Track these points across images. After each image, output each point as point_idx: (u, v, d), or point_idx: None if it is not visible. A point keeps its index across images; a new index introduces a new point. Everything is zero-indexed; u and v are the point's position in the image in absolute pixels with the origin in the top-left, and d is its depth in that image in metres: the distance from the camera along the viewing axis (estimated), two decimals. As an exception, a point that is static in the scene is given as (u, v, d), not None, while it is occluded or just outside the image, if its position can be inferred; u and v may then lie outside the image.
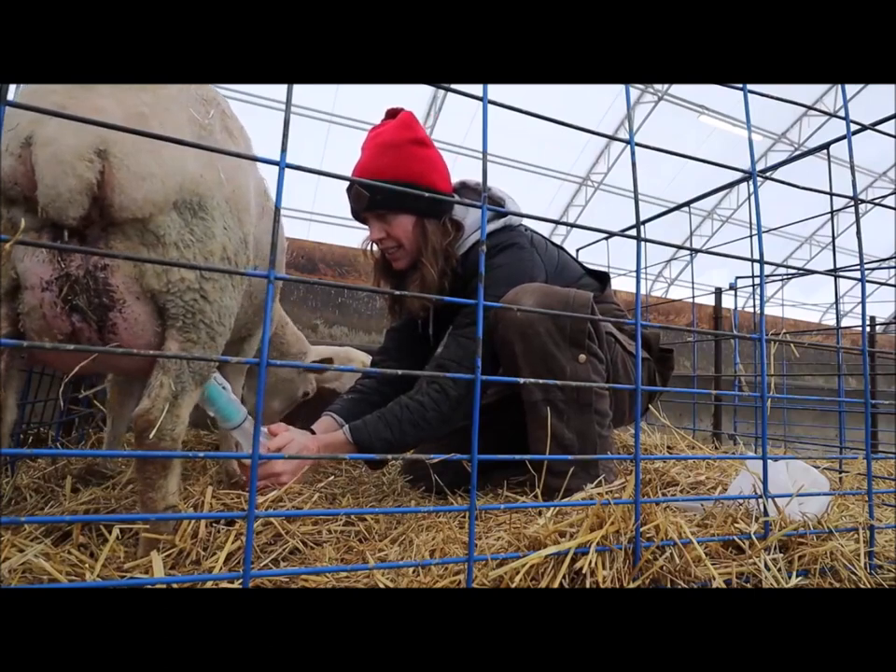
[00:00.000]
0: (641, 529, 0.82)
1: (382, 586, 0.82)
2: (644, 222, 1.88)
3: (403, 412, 1.41)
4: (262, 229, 1.34)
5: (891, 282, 1.23)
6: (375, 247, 1.69)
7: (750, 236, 1.90)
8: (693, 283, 3.16)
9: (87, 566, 0.84)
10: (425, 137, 1.55)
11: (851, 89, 10.59)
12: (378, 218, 1.54)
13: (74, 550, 0.90)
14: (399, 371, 0.69)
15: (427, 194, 0.75)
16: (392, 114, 1.57)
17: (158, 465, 0.95)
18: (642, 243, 0.86)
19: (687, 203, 2.64)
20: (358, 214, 1.57)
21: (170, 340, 0.95)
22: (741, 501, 1.08)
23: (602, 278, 1.86)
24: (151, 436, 0.91)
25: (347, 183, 1.54)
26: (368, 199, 1.48)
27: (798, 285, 16.68)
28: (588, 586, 0.76)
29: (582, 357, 1.42)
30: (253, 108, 10.43)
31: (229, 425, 1.24)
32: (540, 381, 0.87)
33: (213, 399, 1.22)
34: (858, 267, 1.11)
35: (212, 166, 0.97)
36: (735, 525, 0.99)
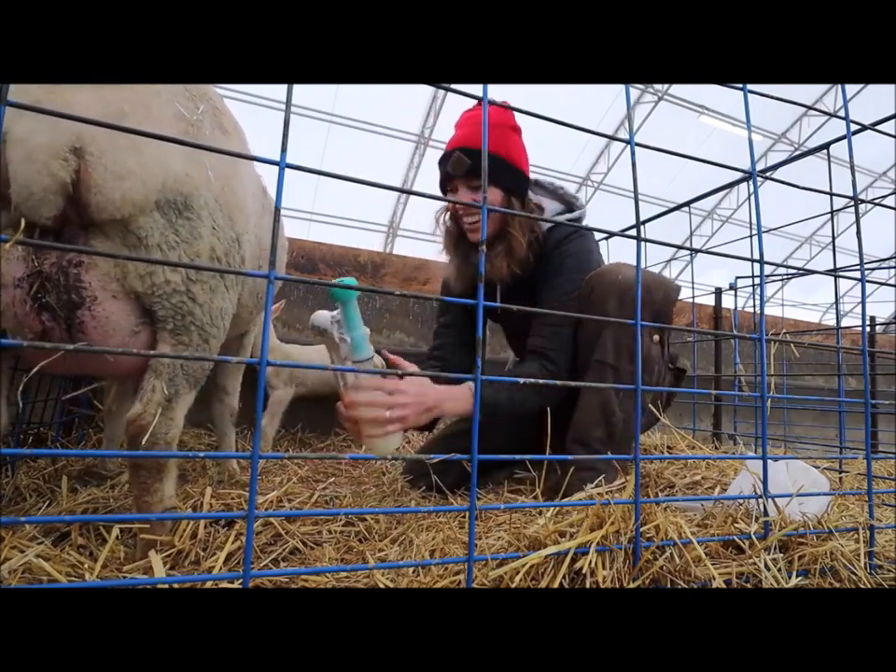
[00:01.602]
0: (641, 529, 0.82)
1: (382, 586, 0.82)
2: (644, 222, 1.88)
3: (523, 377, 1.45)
4: (264, 227, 1.32)
5: (891, 282, 1.23)
6: (447, 220, 1.74)
7: (750, 236, 1.89)
8: (693, 283, 3.15)
9: (86, 566, 0.84)
10: (518, 126, 1.64)
11: (851, 89, 10.59)
12: (470, 187, 1.59)
13: (73, 551, 0.90)
14: (400, 372, 0.68)
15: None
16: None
17: (152, 469, 0.93)
18: (642, 243, 0.86)
19: (687, 203, 2.64)
20: (447, 182, 1.63)
21: (162, 343, 0.93)
22: (741, 501, 1.08)
23: None
24: (143, 441, 0.89)
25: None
26: (469, 166, 1.54)
27: (798, 285, 16.67)
28: (588, 586, 0.76)
29: (657, 337, 1.51)
30: (253, 108, 10.43)
31: (357, 356, 1.14)
32: (540, 381, 0.86)
33: (352, 324, 1.12)
34: (858, 267, 1.11)
35: (199, 163, 0.93)
36: (735, 525, 0.99)
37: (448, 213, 1.73)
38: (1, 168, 0.79)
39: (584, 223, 1.74)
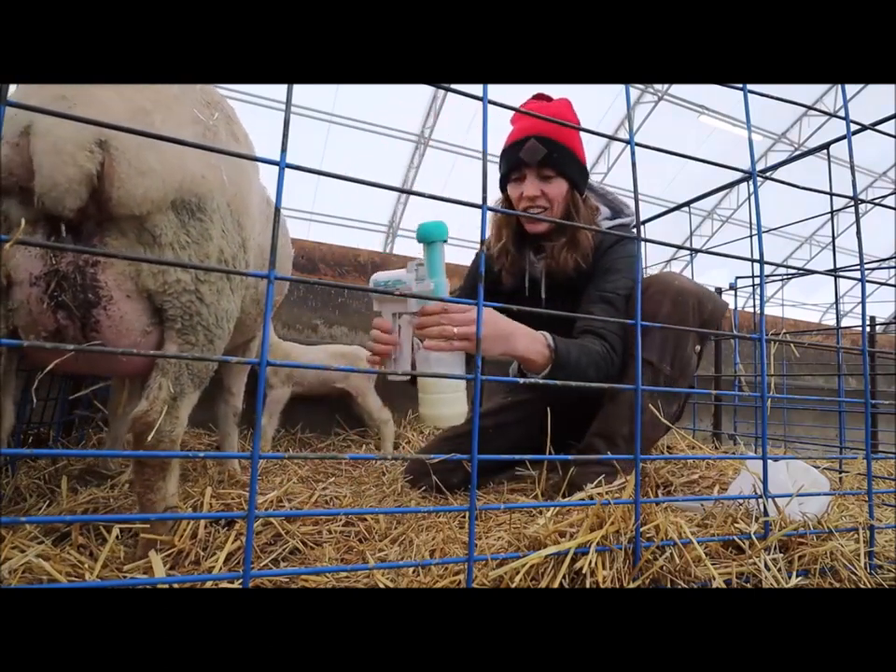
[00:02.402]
0: (641, 529, 0.82)
1: (382, 586, 0.82)
2: (644, 222, 1.88)
3: (585, 349, 1.42)
4: (267, 237, 1.33)
5: (891, 282, 1.23)
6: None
7: (750, 236, 1.89)
8: (692, 283, 3.14)
9: (86, 566, 0.84)
10: (578, 122, 1.63)
11: (851, 89, 10.59)
12: (540, 176, 1.57)
13: (73, 551, 0.90)
14: (405, 374, 0.68)
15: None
16: (541, 96, 1.66)
17: (156, 466, 0.94)
18: (642, 243, 0.86)
19: (687, 203, 2.64)
20: (513, 171, 1.60)
21: (169, 342, 0.94)
22: (741, 501, 1.08)
23: None
24: (149, 438, 0.90)
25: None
26: (545, 154, 1.52)
27: (798, 285, 16.67)
28: (588, 586, 0.76)
29: (698, 347, 1.52)
30: (253, 108, 10.43)
31: (427, 283, 1.04)
32: (540, 380, 0.86)
33: (436, 268, 1.01)
34: (858, 267, 1.11)
35: (215, 168, 0.95)
36: (735, 525, 0.99)
37: (502, 206, 1.71)
38: (14, 163, 0.79)
39: (629, 225, 1.73)
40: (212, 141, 0.96)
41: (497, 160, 1.69)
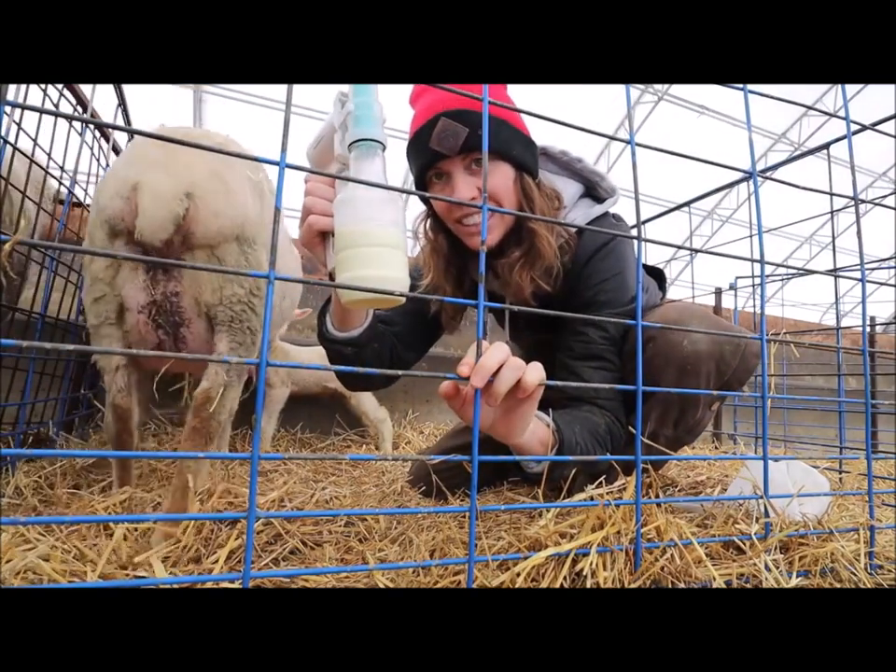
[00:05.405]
0: (642, 530, 0.82)
1: (382, 586, 0.82)
2: (644, 222, 1.87)
3: (589, 422, 1.15)
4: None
5: (891, 282, 1.23)
6: (430, 229, 1.27)
7: (750, 236, 1.89)
8: (693, 283, 3.16)
9: (88, 559, 0.85)
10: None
11: (851, 89, 10.59)
12: (470, 168, 1.09)
13: (74, 549, 0.89)
14: (400, 373, 0.68)
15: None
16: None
17: (202, 432, 1.15)
18: (642, 243, 0.86)
19: (687, 203, 2.64)
20: (429, 169, 1.13)
21: (220, 342, 1.17)
22: (741, 502, 1.08)
23: (659, 277, 1.54)
24: (212, 408, 1.13)
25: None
26: (469, 133, 1.03)
27: (798, 285, 16.66)
28: (589, 587, 0.76)
29: (717, 405, 1.27)
30: (253, 108, 10.42)
31: (358, 130, 0.71)
32: (540, 382, 0.85)
33: (362, 89, 0.73)
34: (858, 267, 1.11)
35: (264, 212, 1.23)
36: (736, 525, 0.99)
37: (429, 220, 1.27)
38: (125, 211, 1.07)
39: (614, 213, 1.33)
40: (261, 193, 1.26)
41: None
